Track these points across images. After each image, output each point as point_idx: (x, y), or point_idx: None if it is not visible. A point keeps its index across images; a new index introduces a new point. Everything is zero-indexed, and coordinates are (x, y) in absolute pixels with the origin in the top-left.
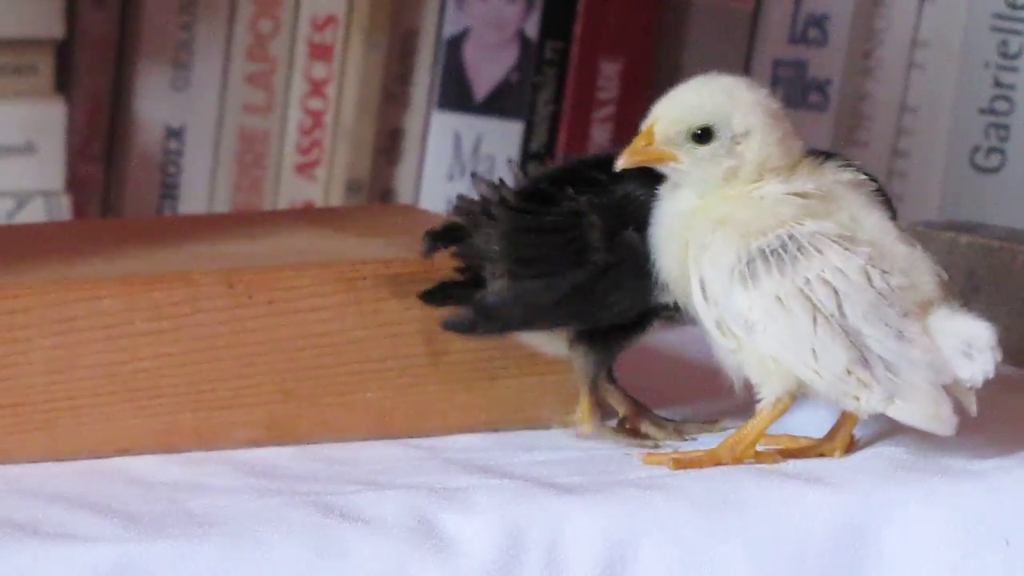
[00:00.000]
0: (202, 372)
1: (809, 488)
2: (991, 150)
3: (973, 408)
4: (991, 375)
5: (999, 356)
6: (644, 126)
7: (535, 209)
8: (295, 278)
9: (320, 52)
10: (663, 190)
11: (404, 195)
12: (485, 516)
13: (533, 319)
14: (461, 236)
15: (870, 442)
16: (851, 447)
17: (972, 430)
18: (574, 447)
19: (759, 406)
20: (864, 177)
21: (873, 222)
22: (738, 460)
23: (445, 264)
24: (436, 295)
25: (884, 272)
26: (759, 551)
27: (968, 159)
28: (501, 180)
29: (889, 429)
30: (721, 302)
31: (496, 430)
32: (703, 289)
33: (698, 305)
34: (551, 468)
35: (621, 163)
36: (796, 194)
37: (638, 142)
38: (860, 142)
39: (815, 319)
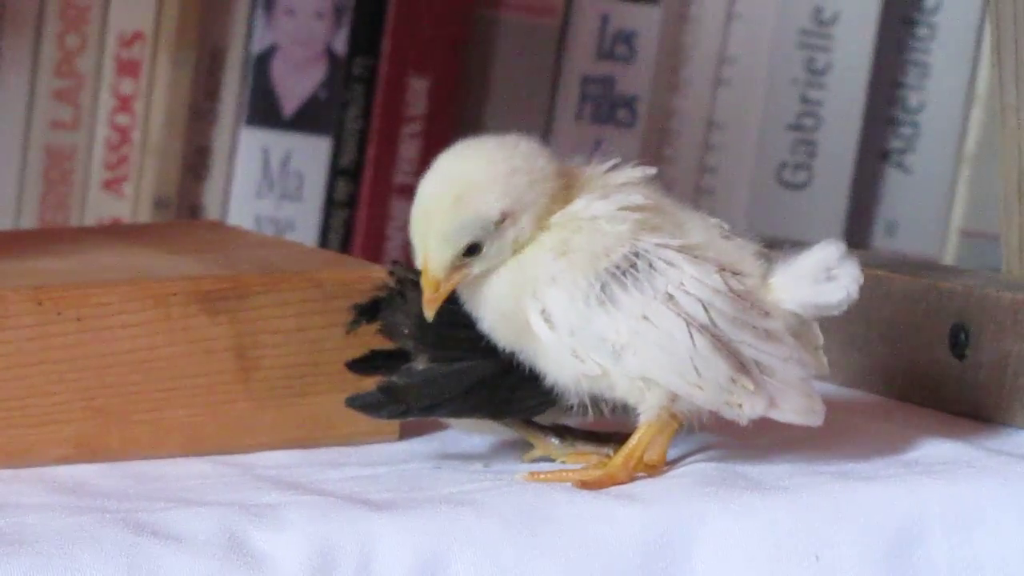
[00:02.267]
0: (10, 389)
1: (620, 504)
2: (798, 166)
3: (825, 366)
4: (861, 280)
5: (857, 263)
6: (418, 262)
7: (450, 299)
8: (104, 295)
9: (127, 68)
10: None
11: (212, 211)
12: (296, 533)
13: (438, 405)
14: (385, 311)
15: (680, 458)
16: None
17: (783, 446)
18: (384, 463)
19: (640, 420)
20: (650, 171)
21: (694, 222)
22: (632, 476)
23: (254, 282)
24: (363, 364)
25: (736, 274)
26: (570, 567)
27: (775, 175)
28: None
29: (700, 445)
30: (578, 331)
31: (307, 447)
32: (547, 320)
33: (542, 336)
34: (362, 484)
35: (428, 315)
36: (627, 208)
37: (428, 290)
38: (668, 158)
39: (691, 333)
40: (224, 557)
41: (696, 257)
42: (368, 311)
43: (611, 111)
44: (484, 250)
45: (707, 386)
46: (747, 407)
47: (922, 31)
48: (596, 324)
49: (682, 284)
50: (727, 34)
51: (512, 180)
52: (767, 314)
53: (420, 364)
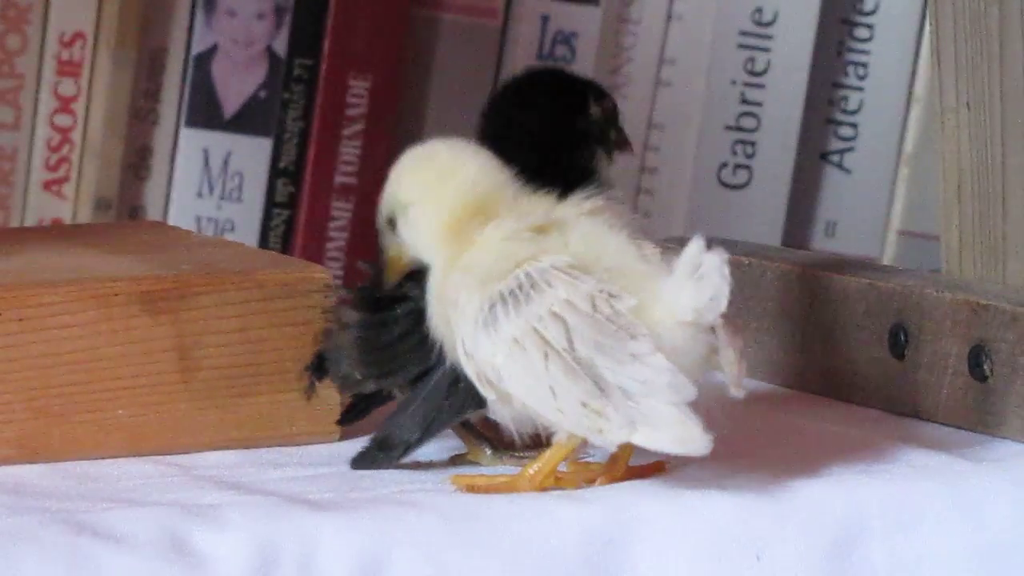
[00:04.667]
0: None
1: (561, 503)
2: (738, 167)
3: (740, 387)
4: (725, 269)
5: (720, 253)
6: None
7: (375, 322)
8: (46, 295)
9: (68, 69)
10: None
11: (153, 212)
12: (238, 533)
13: (432, 423)
14: (330, 365)
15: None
16: (624, 477)
17: (724, 445)
18: (326, 464)
19: (555, 437)
20: (606, 200)
21: (614, 246)
22: (539, 488)
23: (195, 282)
24: (353, 413)
25: (612, 296)
26: (512, 566)
27: (715, 176)
28: (339, 297)
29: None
30: (474, 354)
31: (248, 447)
32: (463, 344)
33: (462, 361)
34: (304, 484)
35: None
36: (528, 229)
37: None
38: None
39: (546, 355)
40: (165, 557)
41: (575, 279)
42: (317, 368)
43: None
44: (398, 230)
45: (566, 410)
46: (607, 433)
47: (861, 32)
48: (482, 347)
49: (552, 306)
50: (667, 35)
51: (425, 173)
52: (634, 336)
53: (398, 393)
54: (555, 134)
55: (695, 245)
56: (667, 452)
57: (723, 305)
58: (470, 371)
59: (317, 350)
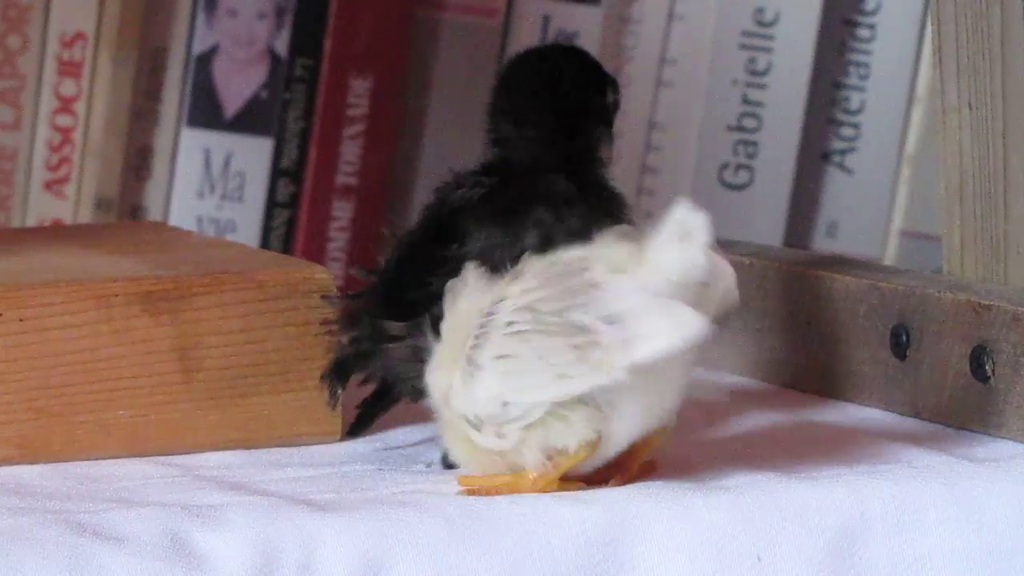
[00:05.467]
0: None
1: (562, 504)
2: (739, 167)
3: (735, 291)
4: (706, 230)
5: (703, 216)
6: None
7: (401, 314)
8: (46, 295)
9: (69, 69)
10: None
11: (154, 212)
12: (239, 534)
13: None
14: (354, 367)
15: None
16: (636, 477)
17: (724, 446)
18: (327, 464)
19: (562, 446)
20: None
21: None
22: (542, 490)
23: (195, 282)
24: (363, 421)
25: (562, 273)
26: (513, 568)
27: (716, 176)
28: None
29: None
30: (479, 412)
31: (249, 447)
32: (472, 422)
33: (482, 442)
34: (305, 485)
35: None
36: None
37: None
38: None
39: (528, 340)
40: (166, 558)
41: (523, 279)
42: (339, 372)
43: None
44: None
45: (565, 368)
46: (608, 356)
47: (863, 32)
48: (479, 394)
49: (513, 306)
50: (668, 35)
51: None
52: (585, 269)
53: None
54: (578, 105)
55: (681, 208)
56: (671, 346)
57: (704, 264)
58: (489, 441)
59: (333, 356)
